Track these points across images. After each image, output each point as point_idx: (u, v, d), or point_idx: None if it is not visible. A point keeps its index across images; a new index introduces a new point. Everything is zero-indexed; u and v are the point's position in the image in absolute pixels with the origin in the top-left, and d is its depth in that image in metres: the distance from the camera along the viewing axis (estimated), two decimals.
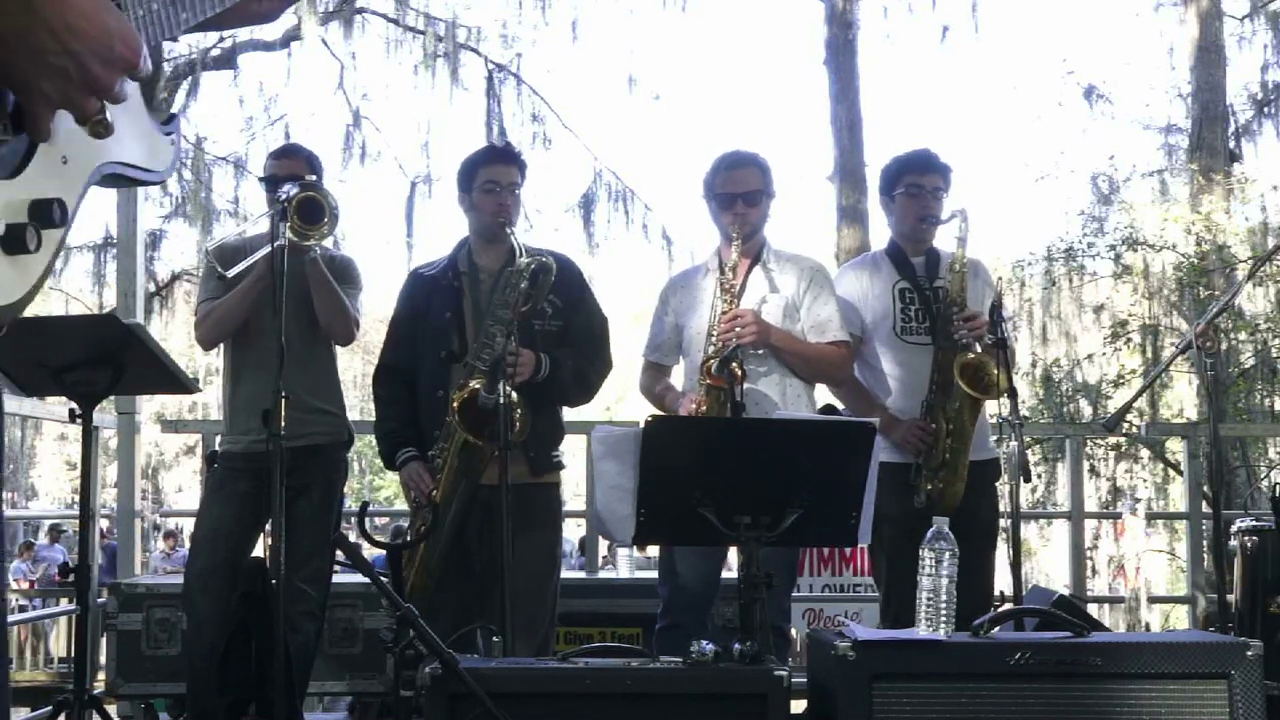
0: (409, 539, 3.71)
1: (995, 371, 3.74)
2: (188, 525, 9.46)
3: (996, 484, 4.00)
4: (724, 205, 3.88)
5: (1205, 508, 5.82)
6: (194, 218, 14.16)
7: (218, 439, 4.24)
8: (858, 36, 12.72)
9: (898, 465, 3.83)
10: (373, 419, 3.99)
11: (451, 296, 3.83)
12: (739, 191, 3.87)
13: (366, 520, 3.51)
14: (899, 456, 3.86)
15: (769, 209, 3.96)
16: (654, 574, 4.15)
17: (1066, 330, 13.74)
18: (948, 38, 14.39)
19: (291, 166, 3.97)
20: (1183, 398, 13.50)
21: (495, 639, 3.03)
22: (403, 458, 3.76)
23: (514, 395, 3.45)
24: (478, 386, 3.52)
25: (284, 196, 3.58)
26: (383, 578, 3.02)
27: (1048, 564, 13.30)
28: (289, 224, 3.56)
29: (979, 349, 3.84)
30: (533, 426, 3.57)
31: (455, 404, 3.56)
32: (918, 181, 4.05)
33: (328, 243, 3.99)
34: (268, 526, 3.72)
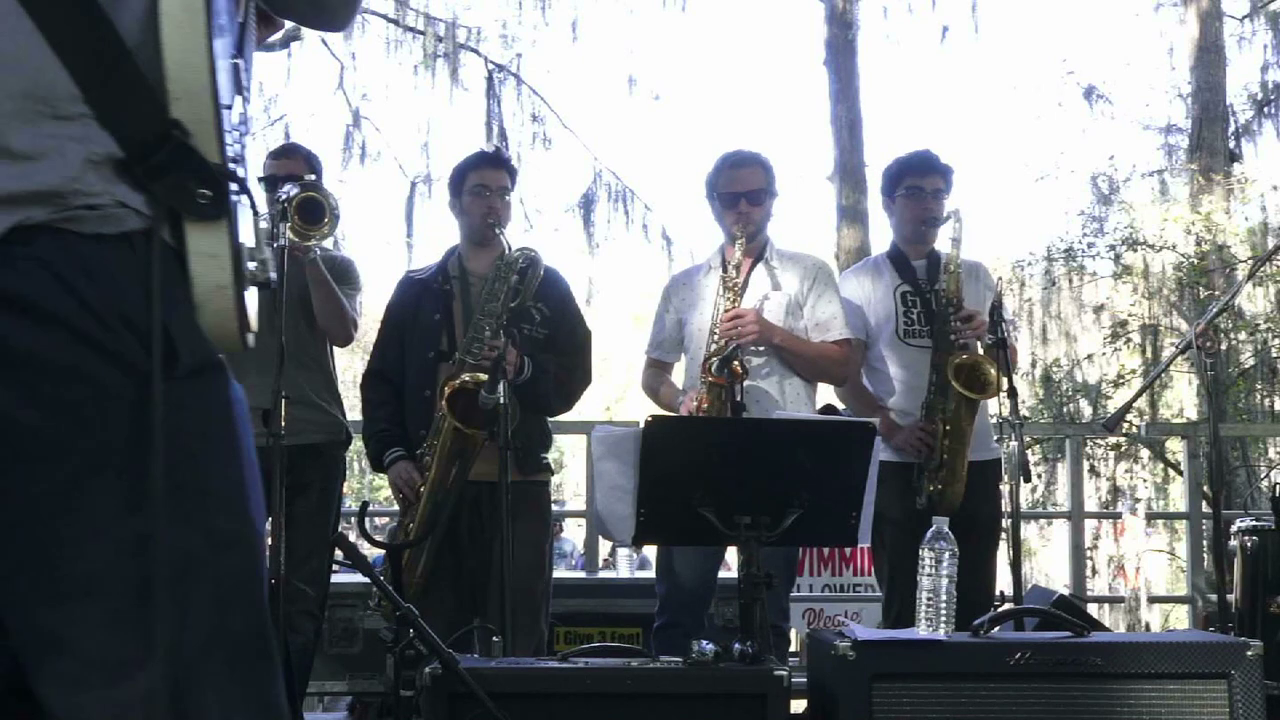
0: (401, 539, 3.70)
1: (991, 371, 3.74)
2: None
3: (997, 484, 4.00)
4: (727, 204, 3.88)
5: (1205, 508, 5.82)
6: None
7: None
8: (858, 36, 12.70)
9: (900, 465, 3.83)
10: None
11: (441, 299, 3.84)
12: (742, 190, 3.87)
13: (366, 520, 3.51)
14: (901, 456, 3.86)
15: (772, 208, 3.97)
16: (654, 574, 4.15)
17: (1066, 330, 13.71)
18: (948, 38, 14.34)
19: (290, 166, 3.96)
20: (1183, 398, 13.49)
21: (495, 639, 3.03)
22: (390, 457, 3.76)
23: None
24: (471, 380, 3.52)
25: (284, 196, 3.57)
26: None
27: (1048, 564, 13.27)
28: (289, 224, 3.56)
29: (979, 349, 3.85)
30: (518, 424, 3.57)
31: (447, 392, 3.56)
32: (918, 183, 4.05)
33: (327, 243, 3.98)
34: (267, 526, 3.71)
